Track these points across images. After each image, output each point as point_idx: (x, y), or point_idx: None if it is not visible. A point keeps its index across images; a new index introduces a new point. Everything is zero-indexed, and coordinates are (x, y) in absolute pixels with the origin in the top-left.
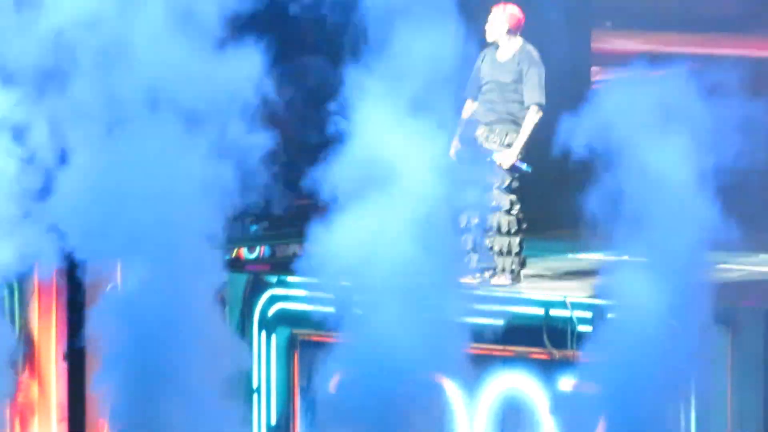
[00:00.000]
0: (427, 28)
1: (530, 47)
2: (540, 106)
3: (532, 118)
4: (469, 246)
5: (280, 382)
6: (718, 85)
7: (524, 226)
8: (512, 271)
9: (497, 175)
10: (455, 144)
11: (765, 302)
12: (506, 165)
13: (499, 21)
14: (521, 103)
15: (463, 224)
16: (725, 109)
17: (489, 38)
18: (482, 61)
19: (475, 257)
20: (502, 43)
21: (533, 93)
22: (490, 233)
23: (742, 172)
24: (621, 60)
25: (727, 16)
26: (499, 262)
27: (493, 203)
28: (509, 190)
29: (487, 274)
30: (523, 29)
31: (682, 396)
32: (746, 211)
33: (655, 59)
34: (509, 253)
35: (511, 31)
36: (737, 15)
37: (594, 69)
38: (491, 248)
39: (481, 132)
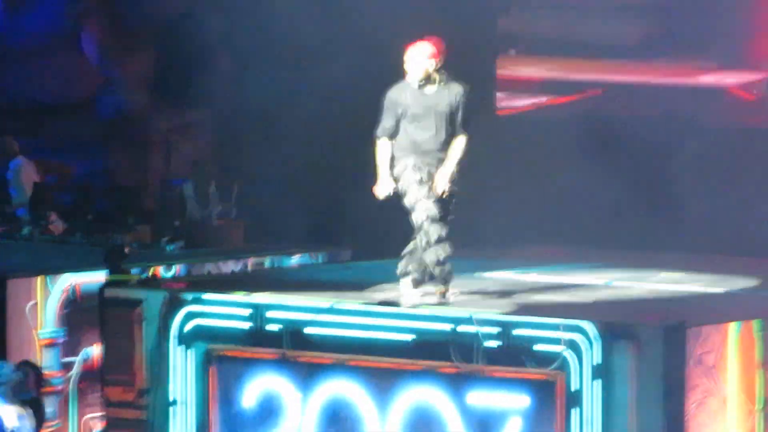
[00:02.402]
0: None
1: (453, 80)
2: (468, 134)
3: (462, 145)
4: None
5: (197, 395)
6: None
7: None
8: (443, 281)
9: (427, 206)
10: (387, 183)
11: (664, 319)
12: (440, 190)
13: (423, 57)
14: (451, 131)
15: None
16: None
17: (414, 74)
18: (404, 96)
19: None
20: (427, 78)
21: (465, 122)
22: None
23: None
24: (525, 86)
25: (627, 44)
26: (434, 271)
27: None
28: (440, 219)
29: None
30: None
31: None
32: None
33: (559, 86)
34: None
35: (436, 65)
36: (636, 44)
37: (499, 95)
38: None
39: (412, 171)
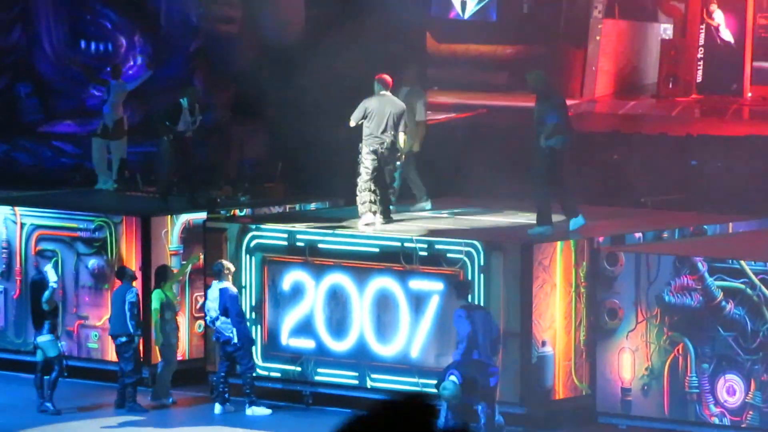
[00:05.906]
0: None
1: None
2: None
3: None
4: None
5: (257, 282)
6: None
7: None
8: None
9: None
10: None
11: (520, 240)
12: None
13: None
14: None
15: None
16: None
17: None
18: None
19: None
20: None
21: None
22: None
23: None
24: (442, 108)
25: (498, 84)
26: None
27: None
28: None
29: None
30: (396, 88)
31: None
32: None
33: (460, 108)
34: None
35: (388, 88)
36: (503, 84)
37: (429, 112)
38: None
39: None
